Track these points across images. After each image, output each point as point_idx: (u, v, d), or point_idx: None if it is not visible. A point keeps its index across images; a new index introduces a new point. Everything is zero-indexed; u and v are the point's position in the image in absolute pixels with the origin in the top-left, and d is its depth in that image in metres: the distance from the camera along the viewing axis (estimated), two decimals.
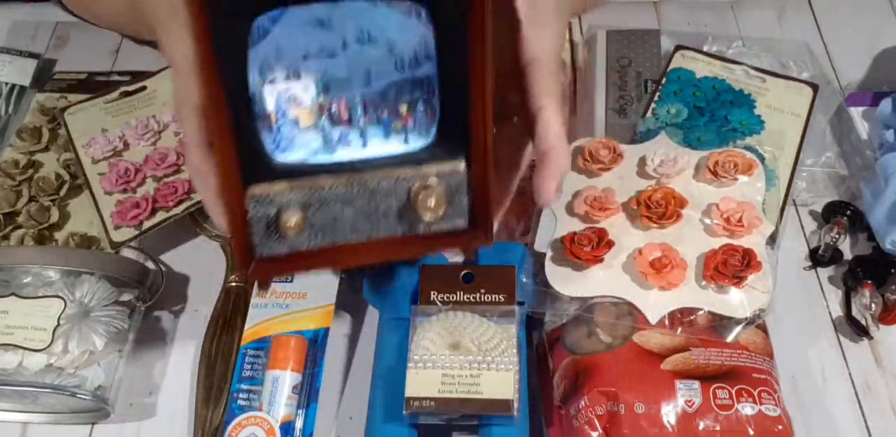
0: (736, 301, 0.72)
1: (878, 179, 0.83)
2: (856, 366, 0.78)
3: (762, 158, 0.80)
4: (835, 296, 0.83)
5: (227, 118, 0.50)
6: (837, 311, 0.82)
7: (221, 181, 0.52)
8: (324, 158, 0.54)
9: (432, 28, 0.52)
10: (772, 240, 0.75)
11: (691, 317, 0.72)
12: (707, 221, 0.75)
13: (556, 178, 0.56)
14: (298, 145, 0.53)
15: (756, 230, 0.74)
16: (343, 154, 0.54)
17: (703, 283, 0.72)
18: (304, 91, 0.52)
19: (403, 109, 0.54)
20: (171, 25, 0.56)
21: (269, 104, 0.52)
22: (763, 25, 1.06)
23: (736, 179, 0.77)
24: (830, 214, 0.86)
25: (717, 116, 0.87)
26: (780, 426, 0.67)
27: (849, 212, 0.85)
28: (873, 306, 0.79)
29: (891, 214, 0.80)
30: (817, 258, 0.84)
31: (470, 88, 0.53)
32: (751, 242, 0.74)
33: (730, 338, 0.71)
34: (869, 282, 0.80)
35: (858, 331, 0.79)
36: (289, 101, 0.52)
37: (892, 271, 0.81)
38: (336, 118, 0.54)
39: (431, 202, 0.55)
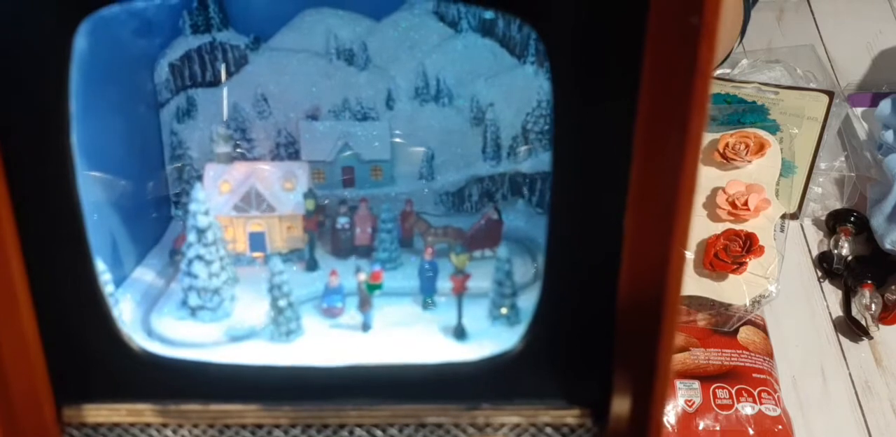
0: (735, 288, 0.71)
1: (883, 180, 0.83)
2: (856, 366, 0.78)
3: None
4: (835, 296, 0.83)
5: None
6: (837, 311, 0.82)
7: None
8: (263, 355, 0.24)
9: None
10: (792, 218, 0.73)
11: (691, 317, 0.72)
12: (710, 207, 0.75)
13: None
14: (214, 315, 0.25)
15: (763, 214, 0.74)
16: (306, 347, 0.24)
17: (703, 270, 0.72)
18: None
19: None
20: None
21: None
22: (762, 27, 1.06)
23: (749, 162, 0.76)
24: (836, 222, 0.85)
25: (731, 120, 0.87)
26: (780, 426, 0.67)
27: (853, 218, 0.85)
28: (873, 306, 0.79)
29: (893, 214, 0.80)
30: (833, 271, 0.83)
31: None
32: (755, 225, 0.73)
33: (729, 327, 0.71)
34: (869, 282, 0.80)
35: (858, 331, 0.79)
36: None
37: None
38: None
39: None
